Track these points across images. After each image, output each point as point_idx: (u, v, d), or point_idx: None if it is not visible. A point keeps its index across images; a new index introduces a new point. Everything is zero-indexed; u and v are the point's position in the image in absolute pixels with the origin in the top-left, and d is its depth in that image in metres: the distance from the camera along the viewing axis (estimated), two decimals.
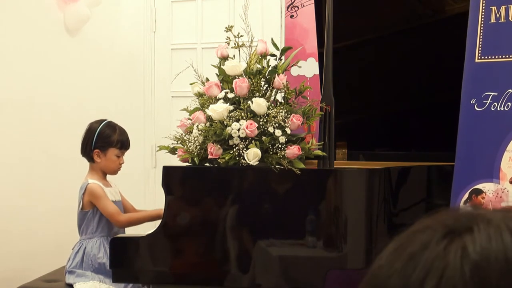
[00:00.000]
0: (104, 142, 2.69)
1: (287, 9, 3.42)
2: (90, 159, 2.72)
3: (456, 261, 0.52)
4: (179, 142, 2.31)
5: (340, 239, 2.16)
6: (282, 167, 2.13)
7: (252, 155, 2.10)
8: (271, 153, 2.14)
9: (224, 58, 2.33)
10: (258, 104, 2.16)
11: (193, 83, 2.40)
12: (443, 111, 2.58)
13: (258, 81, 2.23)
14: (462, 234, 0.54)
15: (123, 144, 2.73)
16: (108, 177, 2.79)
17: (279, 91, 2.29)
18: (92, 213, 2.68)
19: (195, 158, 2.22)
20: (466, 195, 2.13)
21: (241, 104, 2.19)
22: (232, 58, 2.33)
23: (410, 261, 0.55)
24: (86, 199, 2.66)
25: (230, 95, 2.23)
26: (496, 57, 2.11)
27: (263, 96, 2.22)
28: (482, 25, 2.13)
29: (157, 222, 2.34)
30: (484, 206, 2.10)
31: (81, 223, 2.70)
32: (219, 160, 2.15)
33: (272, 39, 2.35)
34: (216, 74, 2.36)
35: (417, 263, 0.54)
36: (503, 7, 2.11)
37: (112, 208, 2.65)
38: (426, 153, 2.73)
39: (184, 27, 4.15)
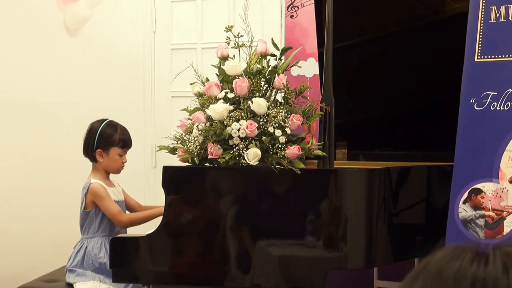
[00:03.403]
0: (106, 141, 2.70)
1: (287, 9, 3.42)
2: (93, 159, 2.72)
3: None
4: (179, 142, 2.31)
5: (340, 239, 2.16)
6: (282, 167, 2.13)
7: (252, 155, 2.11)
8: (271, 153, 2.14)
9: (224, 58, 2.33)
10: (258, 104, 2.16)
11: (193, 83, 2.40)
12: (443, 111, 2.58)
13: (258, 81, 2.23)
14: None
15: (125, 143, 2.74)
16: (111, 176, 2.80)
17: (279, 91, 2.29)
18: (94, 213, 2.68)
19: (195, 158, 2.22)
20: (466, 195, 2.13)
21: (241, 104, 2.19)
22: (232, 58, 2.33)
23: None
24: (88, 198, 2.67)
25: (230, 95, 2.23)
26: (496, 56, 2.11)
27: (263, 96, 2.22)
28: (482, 24, 2.13)
29: (157, 222, 2.33)
30: (484, 205, 2.10)
31: (83, 223, 2.71)
32: (219, 160, 2.15)
33: (272, 39, 2.35)
34: (216, 74, 2.36)
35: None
36: (503, 6, 2.11)
37: (114, 208, 2.65)
38: (426, 153, 2.73)
39: (184, 27, 4.15)
